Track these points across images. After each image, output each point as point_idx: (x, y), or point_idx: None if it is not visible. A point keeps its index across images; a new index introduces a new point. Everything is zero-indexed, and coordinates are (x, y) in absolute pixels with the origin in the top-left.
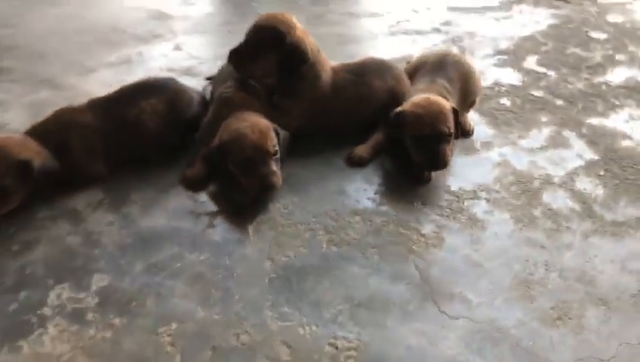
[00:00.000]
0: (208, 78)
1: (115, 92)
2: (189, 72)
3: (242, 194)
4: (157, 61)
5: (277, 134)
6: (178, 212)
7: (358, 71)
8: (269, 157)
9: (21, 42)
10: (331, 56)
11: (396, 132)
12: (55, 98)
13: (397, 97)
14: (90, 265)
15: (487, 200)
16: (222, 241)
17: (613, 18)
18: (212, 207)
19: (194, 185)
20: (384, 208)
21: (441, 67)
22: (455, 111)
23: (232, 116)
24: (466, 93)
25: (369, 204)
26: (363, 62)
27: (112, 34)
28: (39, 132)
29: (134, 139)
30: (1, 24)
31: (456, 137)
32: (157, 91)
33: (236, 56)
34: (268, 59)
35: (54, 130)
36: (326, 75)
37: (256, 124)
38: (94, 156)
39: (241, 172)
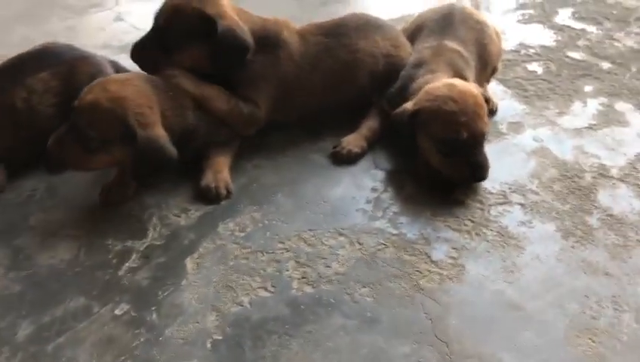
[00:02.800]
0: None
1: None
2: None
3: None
4: (92, 37)
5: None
6: (93, 242)
7: (335, 31)
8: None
9: None
10: (312, 20)
11: (409, 132)
12: None
13: (394, 65)
14: None
15: (523, 206)
16: (147, 285)
17: None
18: (140, 233)
19: (117, 201)
20: (380, 224)
21: (448, 25)
22: (488, 100)
23: None
24: (485, 57)
25: (359, 219)
26: (341, 19)
27: (38, 5)
28: None
29: (25, 130)
30: None
31: None
32: (48, 62)
33: (142, 52)
34: (194, 53)
35: None
36: (291, 46)
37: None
38: None
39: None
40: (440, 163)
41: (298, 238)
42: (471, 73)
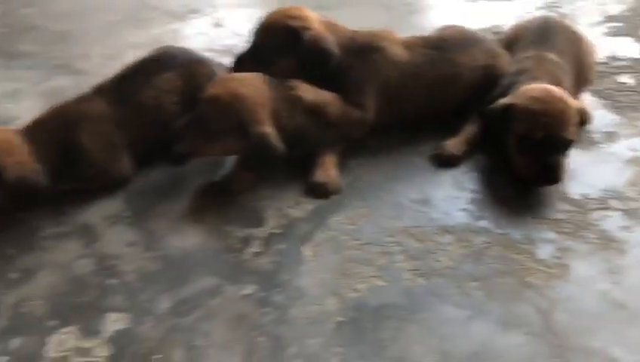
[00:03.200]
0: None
1: (122, 71)
2: (231, 51)
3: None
4: (194, 40)
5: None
6: (217, 228)
7: (439, 45)
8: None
9: (40, 23)
10: (399, 29)
11: (499, 128)
12: (74, 85)
13: (492, 77)
14: (103, 300)
15: (623, 212)
16: (271, 269)
17: None
18: (258, 221)
19: (241, 191)
20: (484, 223)
21: (547, 36)
22: (582, 113)
23: None
24: (580, 69)
25: (463, 218)
26: (443, 34)
27: (142, 10)
28: (36, 133)
29: (152, 126)
30: (23, 3)
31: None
32: (171, 64)
33: (242, 66)
34: (286, 66)
35: (57, 131)
36: (391, 53)
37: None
38: (115, 153)
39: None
40: (516, 160)
41: (406, 233)
42: (568, 84)
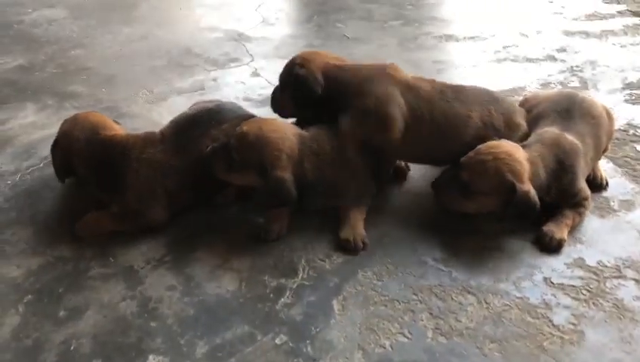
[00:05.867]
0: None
1: (179, 119)
2: (267, 100)
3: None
4: (233, 88)
5: None
6: (251, 277)
7: (457, 88)
8: None
9: (91, 64)
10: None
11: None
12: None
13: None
14: (145, 342)
15: (637, 282)
16: (302, 320)
17: None
18: (291, 272)
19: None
20: (503, 286)
21: (570, 119)
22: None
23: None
24: (598, 145)
25: (484, 280)
26: (462, 85)
27: (186, 56)
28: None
29: (206, 177)
30: (74, 44)
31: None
32: (225, 117)
33: (273, 102)
34: (285, 96)
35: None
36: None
37: None
38: (153, 199)
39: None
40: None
41: (429, 292)
42: (581, 164)
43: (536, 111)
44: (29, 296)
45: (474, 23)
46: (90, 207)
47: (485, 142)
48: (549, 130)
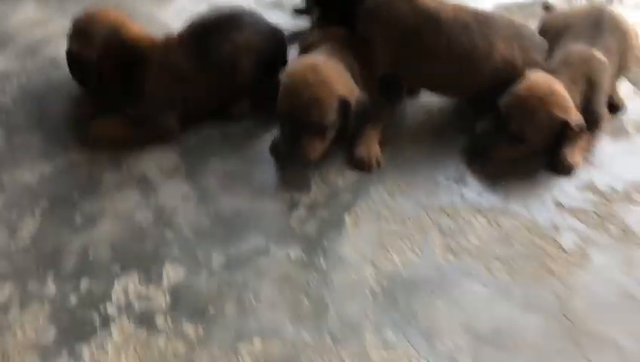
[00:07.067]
0: (297, 11)
1: (200, 23)
2: (278, 4)
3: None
4: None
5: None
6: (266, 190)
7: (483, 19)
8: None
9: None
10: None
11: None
12: None
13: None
14: (161, 250)
15: None
16: (315, 234)
17: None
18: (305, 188)
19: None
20: (515, 207)
21: (598, 34)
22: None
23: None
24: (622, 64)
25: (496, 201)
26: (494, 15)
27: None
28: None
29: (226, 84)
30: None
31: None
32: (246, 23)
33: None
34: None
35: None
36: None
37: None
38: (173, 105)
39: None
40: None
41: (440, 211)
42: (607, 82)
43: (562, 25)
44: (45, 202)
45: None
46: (99, 113)
47: (503, 77)
48: (577, 48)
